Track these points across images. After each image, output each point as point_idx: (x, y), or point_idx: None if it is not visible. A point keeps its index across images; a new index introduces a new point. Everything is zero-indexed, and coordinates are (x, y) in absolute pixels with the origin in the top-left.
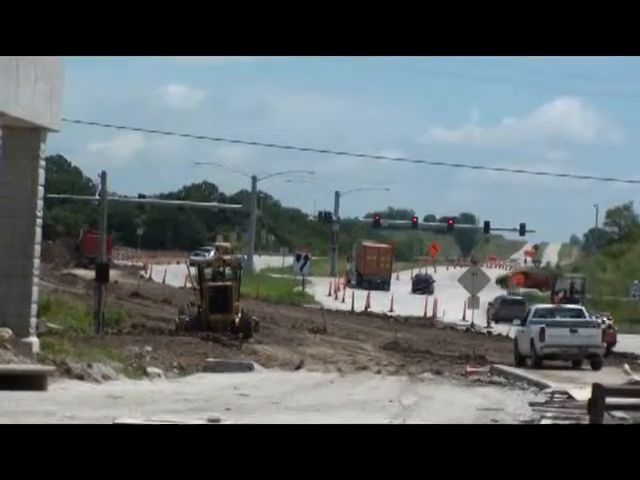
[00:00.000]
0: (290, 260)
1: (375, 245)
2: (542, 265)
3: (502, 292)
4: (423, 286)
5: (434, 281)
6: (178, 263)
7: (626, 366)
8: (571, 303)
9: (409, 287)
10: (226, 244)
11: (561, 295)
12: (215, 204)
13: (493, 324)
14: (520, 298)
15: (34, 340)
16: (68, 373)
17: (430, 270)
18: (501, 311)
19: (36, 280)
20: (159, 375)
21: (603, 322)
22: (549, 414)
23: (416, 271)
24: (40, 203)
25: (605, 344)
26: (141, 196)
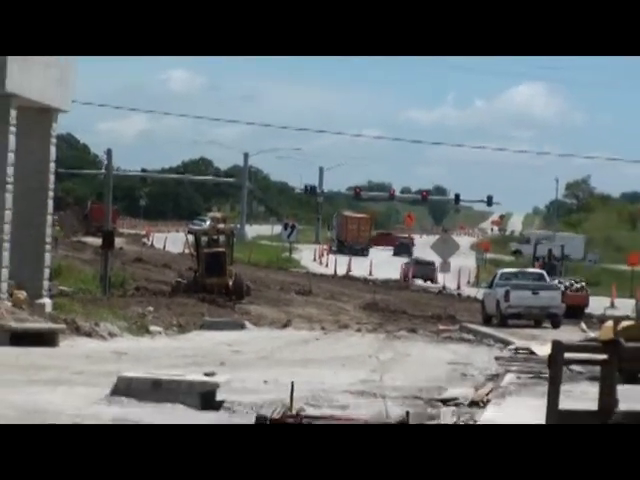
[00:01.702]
0: (278, 229)
1: (356, 215)
2: (507, 233)
3: (474, 257)
4: (404, 249)
5: (414, 245)
6: (177, 231)
7: (582, 324)
8: (549, 269)
9: (386, 254)
10: (219, 214)
11: (540, 261)
12: (211, 178)
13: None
14: (430, 260)
15: (47, 301)
16: (77, 331)
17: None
18: (415, 271)
19: (48, 247)
20: (160, 333)
21: (582, 287)
22: (513, 368)
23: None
24: (52, 177)
25: (564, 305)
26: (144, 171)
